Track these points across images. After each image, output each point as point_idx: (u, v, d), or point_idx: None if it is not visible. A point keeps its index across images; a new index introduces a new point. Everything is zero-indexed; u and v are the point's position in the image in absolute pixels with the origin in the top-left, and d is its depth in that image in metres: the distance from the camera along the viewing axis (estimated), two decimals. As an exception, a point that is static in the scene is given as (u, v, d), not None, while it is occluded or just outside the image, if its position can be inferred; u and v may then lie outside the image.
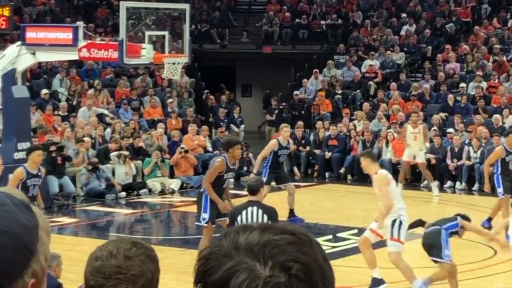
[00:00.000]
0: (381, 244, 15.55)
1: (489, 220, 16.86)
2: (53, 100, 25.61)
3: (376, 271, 12.31)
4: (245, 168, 23.72)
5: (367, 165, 12.40)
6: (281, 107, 29.06)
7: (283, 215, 16.38)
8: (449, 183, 23.09)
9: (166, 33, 18.76)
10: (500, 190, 16.78)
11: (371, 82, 29.24)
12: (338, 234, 16.48)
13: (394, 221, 12.11)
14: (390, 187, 12.13)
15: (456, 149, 23.14)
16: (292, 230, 1.68)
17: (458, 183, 22.97)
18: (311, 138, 25.75)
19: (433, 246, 11.73)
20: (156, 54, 17.87)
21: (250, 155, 23.96)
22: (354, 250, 14.17)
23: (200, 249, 10.09)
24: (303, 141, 25.10)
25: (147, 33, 18.21)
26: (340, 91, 29.05)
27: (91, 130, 23.10)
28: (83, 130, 22.69)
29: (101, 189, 20.93)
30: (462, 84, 27.34)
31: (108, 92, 26.57)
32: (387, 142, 23.74)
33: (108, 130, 23.68)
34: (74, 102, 25.96)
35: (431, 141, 23.74)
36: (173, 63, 17.82)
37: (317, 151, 25.00)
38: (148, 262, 2.99)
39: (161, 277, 3.02)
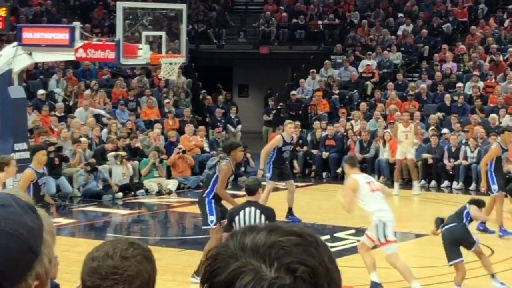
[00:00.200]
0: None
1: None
2: (49, 100, 25.58)
3: (374, 275, 12.29)
4: (242, 169, 23.72)
5: (346, 170, 12.91)
6: (278, 107, 29.05)
7: (281, 215, 16.39)
8: (446, 182, 23.10)
9: (163, 33, 18.74)
10: (494, 187, 16.84)
11: (368, 82, 29.25)
12: (336, 234, 16.47)
13: (377, 226, 12.20)
14: (359, 192, 12.20)
15: (453, 149, 23.15)
16: (298, 231, 1.67)
17: (455, 182, 22.98)
18: (308, 138, 25.75)
19: (463, 241, 12.10)
20: (153, 55, 17.84)
21: (248, 155, 23.95)
22: (352, 250, 14.17)
23: (207, 250, 10.13)
24: (300, 141, 25.09)
25: (144, 33, 18.18)
26: (337, 91, 29.06)
27: (87, 131, 23.09)
28: (80, 131, 22.68)
29: (98, 189, 20.91)
30: (459, 84, 27.37)
31: (105, 92, 26.55)
32: (384, 142, 23.76)
33: (105, 130, 23.66)
34: (71, 103, 25.93)
35: (428, 140, 23.76)
36: (170, 64, 17.80)
37: (314, 151, 25.00)
38: (145, 263, 2.98)
39: (158, 278, 3.00)
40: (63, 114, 24.53)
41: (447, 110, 26.05)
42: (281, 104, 29.36)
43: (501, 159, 16.99)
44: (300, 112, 28.37)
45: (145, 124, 25.67)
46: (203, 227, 13.30)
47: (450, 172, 23.10)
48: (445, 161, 23.12)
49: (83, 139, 22.02)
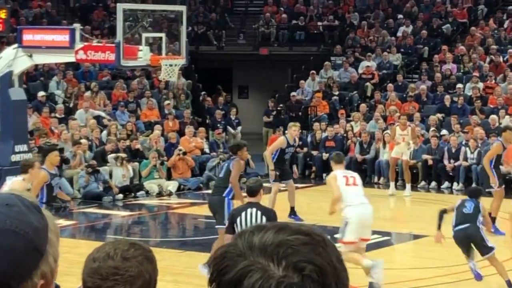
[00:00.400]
0: (377, 245, 15.58)
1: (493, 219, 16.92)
2: (49, 102, 25.59)
3: (366, 260, 12.28)
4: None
5: (332, 166, 13.28)
6: (278, 108, 29.07)
7: (282, 217, 16.38)
8: (446, 183, 23.11)
9: (163, 35, 18.76)
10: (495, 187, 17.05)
11: (368, 83, 29.26)
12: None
13: (343, 222, 12.54)
14: (339, 182, 12.61)
15: (453, 150, 23.16)
16: (306, 230, 1.68)
17: (455, 183, 22.99)
18: (308, 139, 25.76)
19: (479, 242, 12.27)
20: (153, 56, 17.85)
21: (249, 156, 23.95)
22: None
23: (215, 249, 10.17)
24: (300, 142, 25.08)
25: (144, 35, 18.20)
26: (337, 92, 29.07)
27: (88, 133, 23.11)
28: (80, 132, 22.70)
29: (99, 191, 20.92)
30: (459, 85, 27.38)
31: (105, 94, 26.57)
32: (384, 143, 23.78)
33: (105, 132, 23.67)
34: (71, 105, 25.95)
35: (428, 141, 23.79)
36: (170, 65, 17.81)
37: (315, 152, 25.02)
38: (146, 263, 2.99)
39: (158, 279, 3.02)
40: (63, 116, 24.55)
41: (447, 111, 26.06)
42: (281, 105, 29.38)
43: (501, 157, 17.18)
44: (300, 113, 28.39)
45: (145, 125, 25.69)
46: (217, 226, 13.35)
47: (450, 173, 23.11)
48: (445, 162, 23.13)
49: (83, 141, 22.04)
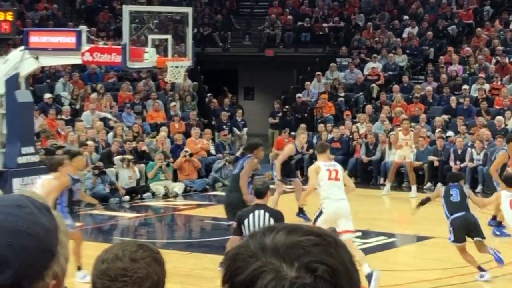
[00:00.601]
0: (382, 247, 15.59)
1: (494, 218, 16.92)
2: (56, 104, 25.64)
3: (366, 267, 12.27)
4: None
5: (317, 155, 13.69)
6: (284, 110, 29.08)
7: (289, 218, 16.38)
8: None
9: (169, 36, 18.77)
10: (499, 188, 17.00)
11: (373, 85, 29.26)
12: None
13: (318, 210, 12.94)
14: (319, 177, 12.96)
15: (459, 151, 23.15)
16: (318, 231, 1.69)
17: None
18: (314, 141, 25.75)
19: (475, 228, 12.91)
20: (159, 58, 17.88)
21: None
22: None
23: (228, 249, 10.33)
24: (306, 144, 25.08)
25: (150, 36, 18.22)
26: (342, 94, 29.08)
27: (94, 134, 23.15)
28: (86, 134, 22.74)
29: (105, 193, 20.96)
30: (465, 86, 27.36)
31: (111, 96, 26.61)
32: (390, 145, 23.76)
33: (111, 134, 23.71)
34: (77, 106, 25.99)
35: (433, 143, 23.78)
36: (176, 67, 17.84)
37: (320, 154, 24.99)
38: (154, 265, 3.00)
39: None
40: (69, 117, 24.59)
41: (453, 112, 26.05)
42: (286, 107, 29.39)
43: (506, 165, 17.19)
44: (305, 115, 28.40)
45: (151, 127, 25.72)
46: (231, 222, 13.41)
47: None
48: (451, 163, 23.11)
49: (89, 143, 22.08)
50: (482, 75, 27.86)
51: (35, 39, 18.61)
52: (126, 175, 21.66)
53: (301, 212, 18.03)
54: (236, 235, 10.71)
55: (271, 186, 13.26)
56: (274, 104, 29.97)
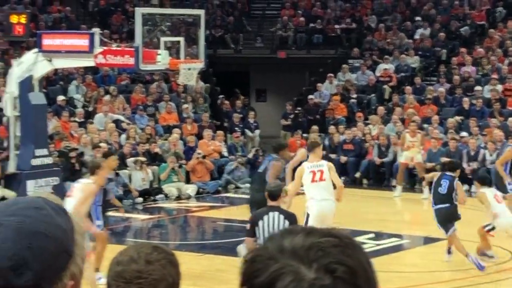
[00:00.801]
0: (394, 248, 15.59)
1: None
2: (69, 106, 25.71)
3: None
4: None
5: (308, 154, 14.09)
6: (296, 111, 29.08)
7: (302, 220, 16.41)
8: (465, 186, 23.02)
9: (181, 39, 18.80)
10: (510, 187, 17.07)
11: (385, 86, 29.23)
12: (355, 238, 16.48)
13: (307, 214, 13.17)
14: (303, 180, 13.33)
15: (472, 153, 23.11)
16: (335, 233, 1.70)
17: (473, 186, 22.89)
18: (326, 142, 25.75)
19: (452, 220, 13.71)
20: (171, 60, 17.91)
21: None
22: (372, 254, 14.17)
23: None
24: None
25: (162, 39, 18.24)
26: (355, 95, 29.07)
27: (107, 136, 23.21)
28: (99, 136, 22.80)
29: (118, 194, 21.01)
30: (478, 87, 27.30)
31: (124, 98, 26.67)
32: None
33: (124, 136, 23.77)
34: (91, 109, 26.06)
35: (446, 144, 23.74)
36: (189, 69, 17.87)
37: (333, 156, 25.00)
38: (169, 267, 3.02)
39: (179, 282, 3.06)
40: (83, 120, 24.67)
41: (466, 113, 26.00)
42: (298, 108, 29.39)
43: None
44: (317, 116, 28.40)
45: (164, 129, 25.77)
46: None
47: (469, 176, 23.04)
48: (464, 165, 23.08)
49: (102, 145, 22.13)
50: (495, 76, 27.79)
51: (48, 41, 18.67)
52: (139, 177, 21.72)
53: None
54: (249, 236, 10.72)
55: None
56: (286, 105, 29.96)
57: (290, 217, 10.77)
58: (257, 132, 27.99)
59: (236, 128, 27.12)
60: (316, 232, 1.70)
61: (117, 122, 24.73)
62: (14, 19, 20.82)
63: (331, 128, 25.91)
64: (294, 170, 18.37)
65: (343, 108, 28.25)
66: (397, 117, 25.83)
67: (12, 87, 18.70)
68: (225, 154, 24.74)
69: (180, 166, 22.60)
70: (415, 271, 14.23)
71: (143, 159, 22.01)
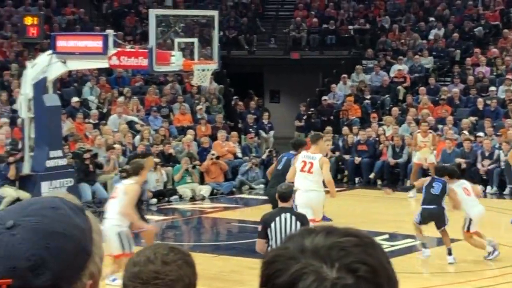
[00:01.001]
0: (409, 249, 15.54)
1: None
2: (83, 108, 25.78)
3: None
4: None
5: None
6: (308, 112, 29.06)
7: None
8: (480, 187, 22.96)
9: (195, 40, 18.81)
10: None
11: (399, 87, 29.18)
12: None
13: (295, 206, 13.37)
14: (296, 164, 14.02)
15: (487, 153, 23.04)
16: (355, 232, 1.70)
17: (488, 187, 22.86)
18: (340, 143, 25.73)
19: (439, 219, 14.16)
20: (185, 61, 17.93)
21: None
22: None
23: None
24: (332, 146, 25.08)
25: (176, 40, 18.27)
26: (368, 96, 29.03)
27: (121, 138, 23.25)
28: (114, 138, 22.85)
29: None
30: (492, 88, 27.21)
31: (138, 99, 26.72)
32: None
33: (138, 137, 23.81)
34: (105, 110, 26.12)
35: (461, 145, 23.68)
36: (202, 70, 17.88)
37: (346, 156, 24.97)
38: (185, 267, 3.02)
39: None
40: (97, 121, 24.72)
41: (480, 114, 25.92)
42: (311, 109, 29.36)
43: None
44: (331, 117, 28.38)
45: (178, 130, 25.80)
46: None
47: (484, 177, 22.99)
48: (479, 165, 23.01)
49: (117, 146, 22.18)
50: (509, 76, 27.69)
51: (62, 43, 18.73)
52: (153, 178, 21.74)
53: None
54: (261, 238, 10.71)
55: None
56: (300, 106, 29.95)
57: (301, 217, 10.77)
58: (271, 133, 27.99)
59: (250, 129, 27.11)
60: (336, 231, 1.70)
61: (130, 123, 24.77)
62: (28, 21, 20.91)
63: (345, 129, 25.88)
64: None
65: (357, 109, 28.21)
66: (411, 117, 25.77)
67: (27, 89, 18.76)
68: (239, 155, 24.74)
69: (193, 167, 22.61)
70: (430, 272, 14.19)
71: (157, 160, 22.03)
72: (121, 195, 12.24)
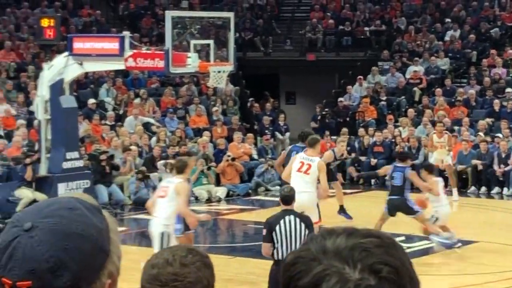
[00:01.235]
0: (426, 251, 15.50)
1: None
2: (99, 109, 25.84)
3: None
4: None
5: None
6: (323, 113, 29.03)
7: (326, 221, 16.37)
8: (496, 189, 22.89)
9: (211, 41, 18.84)
10: None
11: (415, 88, 29.11)
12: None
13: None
14: (294, 163, 14.13)
15: (503, 155, 22.95)
16: (377, 233, 1.69)
17: (505, 189, 22.77)
18: (356, 145, 25.69)
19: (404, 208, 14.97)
20: (201, 63, 17.95)
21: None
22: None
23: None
24: (348, 148, 25.02)
25: (192, 42, 18.29)
26: (384, 98, 28.97)
27: (137, 139, 23.30)
28: (130, 139, 22.89)
29: (149, 197, 21.05)
30: (508, 89, 27.11)
31: (154, 101, 26.77)
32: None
33: (154, 139, 23.85)
34: (121, 112, 26.18)
35: (477, 146, 23.59)
36: (219, 72, 17.90)
37: (363, 158, 24.93)
38: (204, 269, 3.02)
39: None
40: (113, 123, 24.78)
41: (496, 115, 25.83)
42: (326, 109, 29.34)
43: None
44: (347, 119, 28.33)
45: (194, 132, 25.83)
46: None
47: (500, 178, 22.90)
48: (495, 167, 22.92)
49: (133, 147, 22.22)
50: (526, 78, 27.60)
51: (79, 45, 18.79)
52: (169, 179, 21.73)
53: (342, 210, 18.04)
54: (266, 242, 10.67)
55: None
56: (316, 108, 29.92)
57: (306, 220, 10.74)
58: (287, 134, 27.95)
59: (266, 131, 27.11)
60: (357, 232, 1.69)
61: (147, 125, 24.81)
62: (45, 22, 20.96)
63: (361, 131, 25.84)
64: None
65: (373, 111, 28.16)
66: (427, 119, 25.71)
67: (43, 91, 18.83)
68: (255, 156, 24.74)
69: (209, 169, 22.61)
70: (446, 273, 14.14)
71: (173, 161, 22.04)
72: (171, 194, 12.24)
